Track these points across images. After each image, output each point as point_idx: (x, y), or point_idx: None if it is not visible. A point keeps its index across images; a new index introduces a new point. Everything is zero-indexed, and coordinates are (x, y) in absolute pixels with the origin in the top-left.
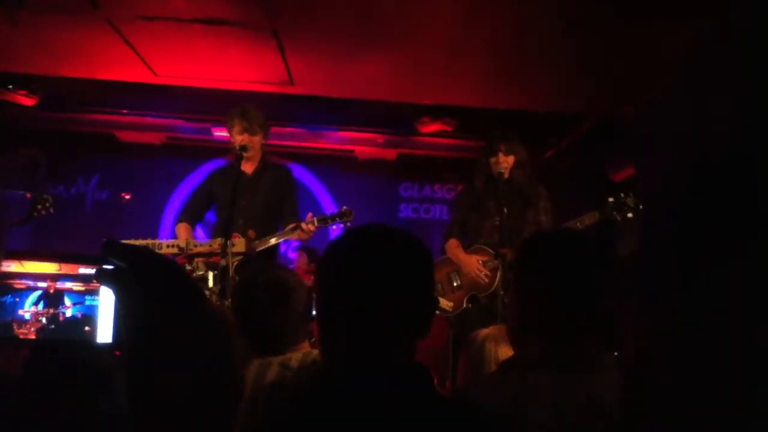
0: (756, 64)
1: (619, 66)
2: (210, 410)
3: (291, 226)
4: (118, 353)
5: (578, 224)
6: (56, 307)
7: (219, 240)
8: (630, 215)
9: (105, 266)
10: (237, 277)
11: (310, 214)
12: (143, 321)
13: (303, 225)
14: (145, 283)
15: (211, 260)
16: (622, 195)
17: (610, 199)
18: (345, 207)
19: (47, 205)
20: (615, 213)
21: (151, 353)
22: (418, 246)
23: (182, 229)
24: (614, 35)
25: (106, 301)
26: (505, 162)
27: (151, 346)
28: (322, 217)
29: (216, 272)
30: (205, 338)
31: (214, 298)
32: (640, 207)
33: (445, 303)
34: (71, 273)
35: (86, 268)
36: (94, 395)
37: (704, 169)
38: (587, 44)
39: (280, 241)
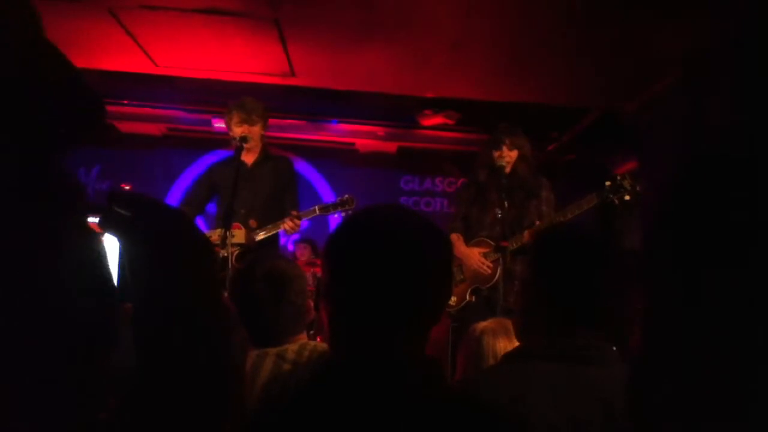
0: (756, 64)
1: (622, 61)
2: (215, 367)
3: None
4: (127, 306)
5: (577, 209)
6: None
7: (218, 231)
8: (627, 197)
9: (109, 212)
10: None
11: (294, 212)
12: (150, 269)
13: (287, 220)
14: (151, 230)
15: None
16: (619, 178)
17: (607, 183)
18: (347, 195)
19: None
20: (612, 196)
21: (158, 301)
22: (436, 230)
23: None
24: (618, 30)
25: (109, 251)
26: (509, 156)
27: (158, 294)
28: (324, 206)
29: None
30: (211, 289)
31: None
32: (637, 188)
33: None
34: None
35: (92, 217)
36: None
37: (705, 165)
38: (590, 38)
39: (269, 234)
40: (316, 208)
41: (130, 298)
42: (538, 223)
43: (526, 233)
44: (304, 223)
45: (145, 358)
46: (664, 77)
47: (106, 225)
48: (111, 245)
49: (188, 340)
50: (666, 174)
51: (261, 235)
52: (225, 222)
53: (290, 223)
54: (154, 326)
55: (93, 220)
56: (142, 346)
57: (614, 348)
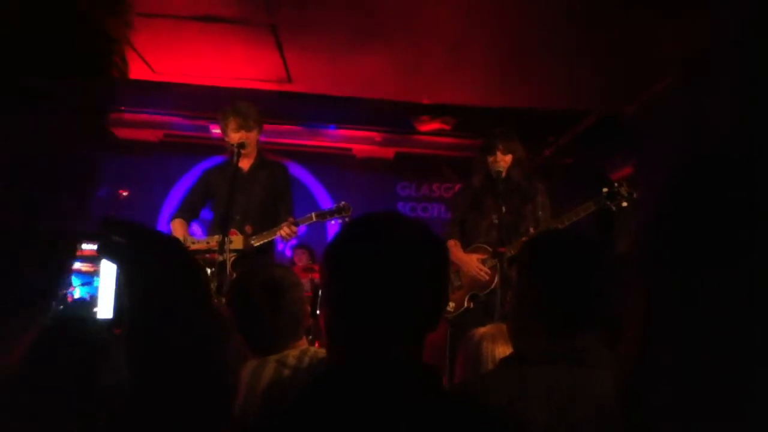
0: (757, 64)
1: (621, 63)
2: (208, 386)
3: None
4: (118, 331)
5: (574, 216)
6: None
7: (216, 237)
8: (624, 204)
9: (106, 239)
10: (234, 274)
11: (291, 219)
12: (145, 296)
13: (284, 226)
14: (146, 259)
15: (207, 257)
16: (616, 185)
17: (605, 190)
18: (343, 202)
19: None
20: (609, 203)
21: (151, 328)
22: (434, 237)
23: (178, 225)
24: (616, 32)
25: (106, 278)
26: (503, 161)
27: (152, 321)
28: (320, 213)
29: (213, 269)
30: (205, 315)
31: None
32: (634, 195)
33: None
34: (78, 254)
35: (89, 244)
36: (96, 369)
37: (703, 164)
38: (589, 40)
39: (265, 241)
40: (313, 214)
41: (125, 320)
42: (532, 231)
43: (522, 241)
44: (301, 229)
45: (139, 372)
46: (663, 78)
47: (105, 252)
48: (109, 271)
49: (184, 349)
50: (665, 175)
51: (258, 242)
52: (222, 228)
53: (287, 230)
54: (148, 345)
55: (91, 247)
56: (137, 361)
57: (611, 350)
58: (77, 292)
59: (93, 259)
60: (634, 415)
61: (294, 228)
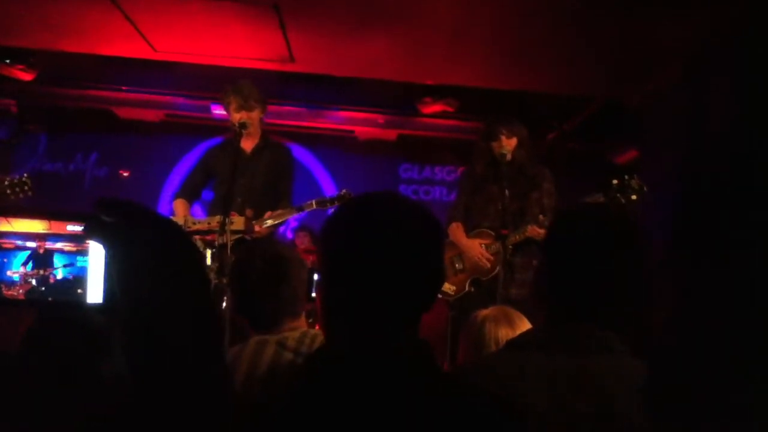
0: (758, 60)
1: (624, 51)
2: (205, 367)
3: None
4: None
5: None
6: (46, 267)
7: (217, 218)
8: (634, 197)
9: (95, 220)
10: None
11: (268, 213)
12: (138, 277)
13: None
14: (140, 238)
15: (208, 238)
16: (627, 177)
17: (615, 182)
18: (344, 190)
19: (26, 188)
20: (619, 196)
21: (146, 310)
22: (429, 216)
23: (179, 205)
24: (620, 19)
25: (95, 260)
26: (508, 144)
27: (145, 303)
28: (321, 200)
29: (214, 250)
30: (199, 295)
31: (212, 276)
32: (645, 189)
33: (447, 286)
34: (61, 233)
35: (75, 225)
36: (94, 359)
37: (705, 161)
38: (592, 27)
39: (276, 222)
40: (314, 202)
41: (117, 304)
42: (542, 218)
43: (529, 228)
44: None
45: (135, 361)
46: (667, 68)
47: (92, 233)
48: (98, 252)
49: (179, 342)
50: (667, 167)
51: (269, 223)
52: (224, 208)
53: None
54: (144, 330)
55: (77, 228)
56: (133, 350)
57: (620, 339)
58: (59, 272)
59: (76, 238)
60: (656, 404)
61: (258, 227)
